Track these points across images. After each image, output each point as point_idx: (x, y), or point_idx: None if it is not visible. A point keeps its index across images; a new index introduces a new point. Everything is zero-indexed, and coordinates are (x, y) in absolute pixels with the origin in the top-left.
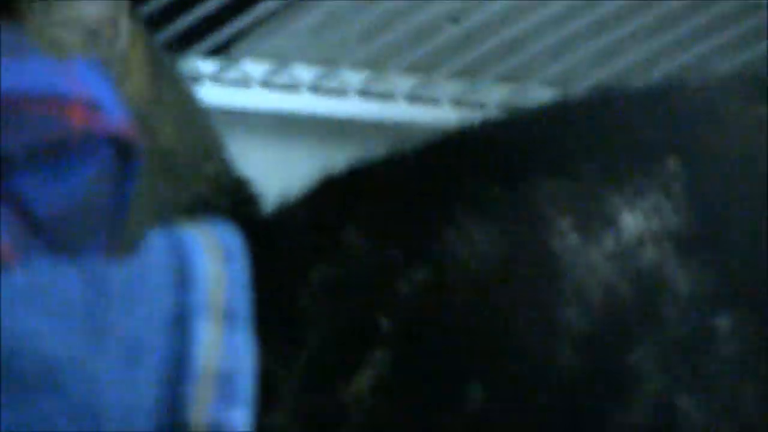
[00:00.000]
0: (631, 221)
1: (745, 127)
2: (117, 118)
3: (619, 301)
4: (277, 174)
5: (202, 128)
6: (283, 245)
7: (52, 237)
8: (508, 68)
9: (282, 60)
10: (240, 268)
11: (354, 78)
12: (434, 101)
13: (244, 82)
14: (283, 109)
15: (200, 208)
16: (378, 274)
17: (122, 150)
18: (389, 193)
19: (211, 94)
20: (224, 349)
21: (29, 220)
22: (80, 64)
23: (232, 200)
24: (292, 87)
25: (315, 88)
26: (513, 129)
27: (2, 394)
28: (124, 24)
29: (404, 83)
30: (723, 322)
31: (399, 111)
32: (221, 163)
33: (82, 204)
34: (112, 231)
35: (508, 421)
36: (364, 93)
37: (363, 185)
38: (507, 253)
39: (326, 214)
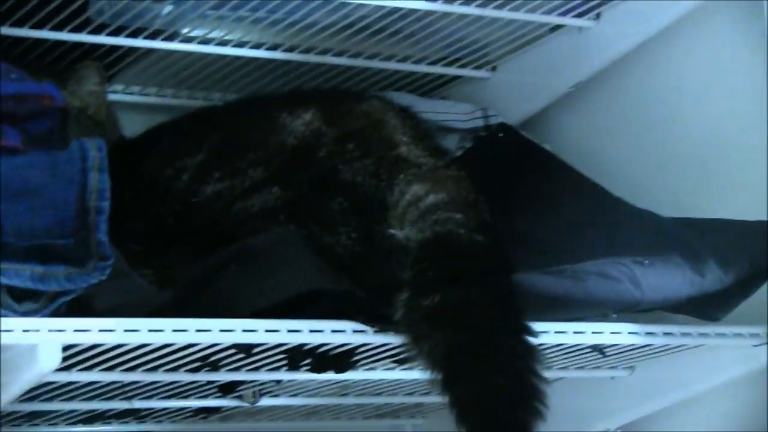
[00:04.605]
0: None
1: None
2: (61, 101)
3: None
4: None
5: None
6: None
7: (38, 144)
8: None
9: None
10: (104, 155)
11: None
12: None
13: None
14: None
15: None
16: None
17: (63, 112)
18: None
19: None
20: (100, 181)
21: (30, 136)
22: (51, 86)
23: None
24: None
25: None
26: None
27: (7, 198)
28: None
29: None
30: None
31: None
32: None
33: (49, 131)
34: (60, 143)
35: None
36: None
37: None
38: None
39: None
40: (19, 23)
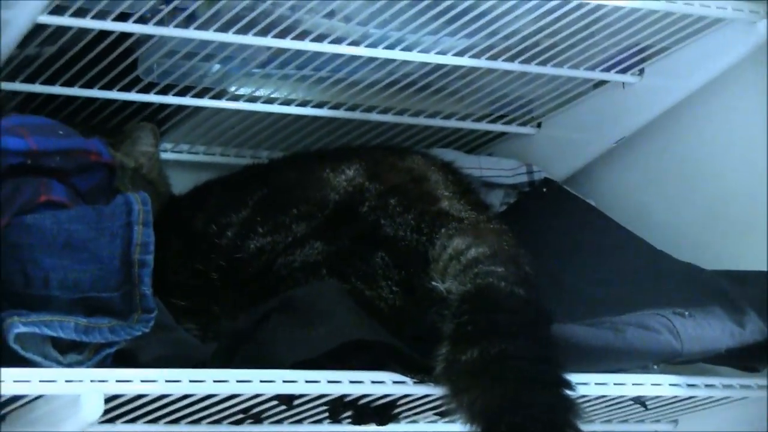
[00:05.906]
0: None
1: None
2: (108, 157)
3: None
4: None
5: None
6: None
7: (86, 199)
8: None
9: None
10: (148, 209)
11: None
12: None
13: None
14: None
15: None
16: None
17: (110, 168)
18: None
19: None
20: (144, 235)
21: (78, 192)
22: (98, 142)
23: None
24: None
25: None
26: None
27: (54, 252)
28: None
29: None
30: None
31: None
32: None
33: (97, 186)
34: (107, 198)
35: None
36: None
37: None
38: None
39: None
40: (69, 83)
